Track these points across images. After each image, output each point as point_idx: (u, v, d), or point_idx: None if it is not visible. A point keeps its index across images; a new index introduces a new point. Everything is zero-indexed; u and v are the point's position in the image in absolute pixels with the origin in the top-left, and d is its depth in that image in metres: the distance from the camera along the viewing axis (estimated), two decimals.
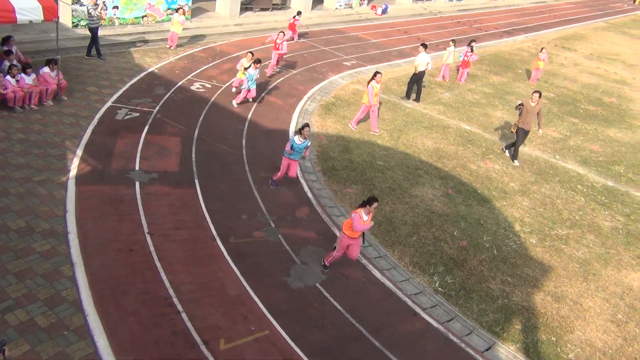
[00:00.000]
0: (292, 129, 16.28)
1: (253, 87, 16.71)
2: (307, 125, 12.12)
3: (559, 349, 9.64)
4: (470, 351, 9.29)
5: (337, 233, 11.66)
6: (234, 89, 17.69)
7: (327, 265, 10.42)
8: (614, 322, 10.57)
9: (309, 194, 13.00)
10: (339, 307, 9.59)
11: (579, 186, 15.87)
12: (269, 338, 8.56)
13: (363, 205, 9.65)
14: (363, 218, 9.59)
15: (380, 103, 16.98)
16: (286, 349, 8.44)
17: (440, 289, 10.64)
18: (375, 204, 9.57)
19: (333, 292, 9.91)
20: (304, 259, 10.65)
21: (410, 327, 9.56)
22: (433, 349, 9.19)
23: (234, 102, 17.03)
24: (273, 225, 11.48)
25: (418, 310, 10.00)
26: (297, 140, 12.02)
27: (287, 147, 12.09)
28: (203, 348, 8.10)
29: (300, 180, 13.54)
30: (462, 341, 9.45)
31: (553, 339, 9.87)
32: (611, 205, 15.08)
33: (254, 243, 10.80)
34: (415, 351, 9.03)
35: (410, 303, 10.15)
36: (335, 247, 10.31)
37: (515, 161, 16.64)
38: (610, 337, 10.17)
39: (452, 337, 9.51)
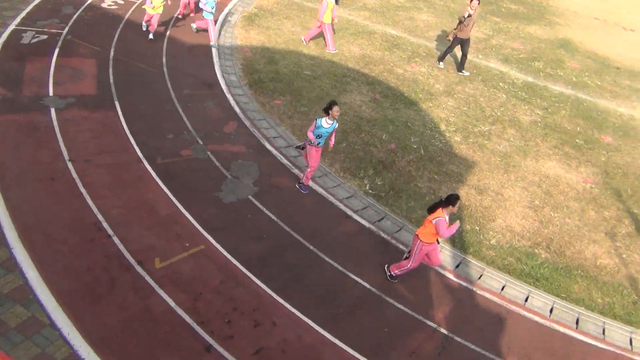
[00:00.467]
0: (213, 42, 15.68)
1: (210, 17, 15.09)
2: (335, 103, 9.62)
3: (482, 237, 10.27)
4: (401, 246, 9.75)
5: (268, 146, 11.65)
6: (144, 26, 15.50)
7: (395, 275, 8.92)
8: (531, 208, 11.29)
9: (236, 108, 12.77)
10: (273, 217, 9.74)
11: (500, 84, 16.33)
12: (205, 253, 8.65)
13: (444, 205, 8.09)
14: (447, 220, 8.13)
15: (334, 19, 16.23)
16: (223, 261, 8.57)
17: (370, 191, 10.95)
18: (458, 203, 8.13)
19: (266, 203, 10.01)
20: (235, 173, 10.62)
21: (343, 229, 9.87)
22: (365, 247, 9.57)
23: (214, 44, 15.47)
24: (201, 142, 11.29)
25: (350, 213, 10.30)
26: (325, 123, 9.70)
27: (310, 135, 9.77)
28: (138, 269, 8.09)
29: (227, 94, 13.23)
30: (392, 238, 9.89)
31: (477, 228, 10.48)
32: (530, 100, 15.67)
33: (183, 162, 10.63)
34: (348, 251, 9.39)
35: (342, 207, 10.42)
36: (407, 257, 8.76)
37: (441, 63, 16.79)
38: (528, 222, 10.90)
39: (383, 235, 9.92)
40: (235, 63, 14.91)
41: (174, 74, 13.62)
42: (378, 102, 14.05)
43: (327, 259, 9.11)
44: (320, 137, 9.80)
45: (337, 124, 9.89)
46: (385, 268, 9.07)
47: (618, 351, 8.58)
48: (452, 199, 8.00)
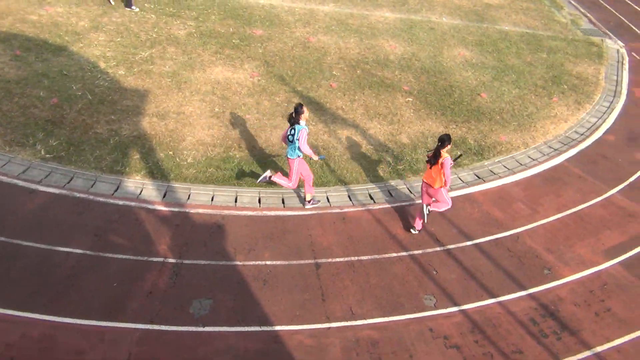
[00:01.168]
0: None
1: None
2: (302, 105, 9.18)
3: (178, 159, 10.42)
4: (101, 199, 9.31)
5: None
6: None
7: (420, 230, 9.66)
8: (214, 117, 11.77)
9: None
10: None
11: (146, 4, 15.94)
12: None
13: (441, 147, 8.66)
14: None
15: None
16: None
17: (47, 155, 10.01)
18: (451, 139, 8.83)
19: None
20: None
21: (32, 205, 8.93)
22: (63, 214, 8.87)
23: None
24: None
25: (33, 186, 9.32)
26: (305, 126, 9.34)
27: (307, 148, 9.26)
28: None
29: None
30: (89, 194, 9.35)
31: (170, 152, 10.55)
32: (180, 14, 15.74)
33: None
34: (46, 226, 8.58)
35: (21, 183, 9.35)
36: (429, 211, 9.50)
37: (134, 7, 15.40)
38: (215, 130, 11.38)
39: (78, 195, 9.29)
40: None
41: None
42: (21, 58, 12.48)
43: (24, 243, 8.22)
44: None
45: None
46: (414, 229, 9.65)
47: (321, 212, 9.89)
48: (444, 139, 8.62)
